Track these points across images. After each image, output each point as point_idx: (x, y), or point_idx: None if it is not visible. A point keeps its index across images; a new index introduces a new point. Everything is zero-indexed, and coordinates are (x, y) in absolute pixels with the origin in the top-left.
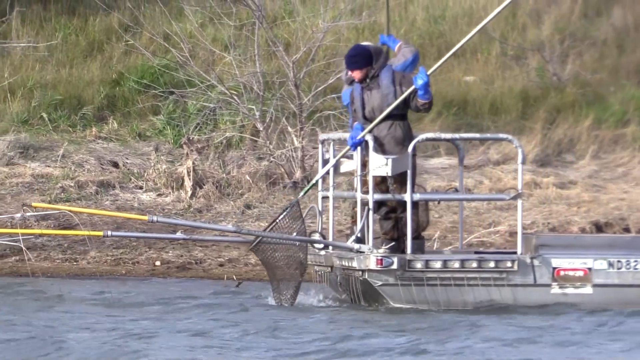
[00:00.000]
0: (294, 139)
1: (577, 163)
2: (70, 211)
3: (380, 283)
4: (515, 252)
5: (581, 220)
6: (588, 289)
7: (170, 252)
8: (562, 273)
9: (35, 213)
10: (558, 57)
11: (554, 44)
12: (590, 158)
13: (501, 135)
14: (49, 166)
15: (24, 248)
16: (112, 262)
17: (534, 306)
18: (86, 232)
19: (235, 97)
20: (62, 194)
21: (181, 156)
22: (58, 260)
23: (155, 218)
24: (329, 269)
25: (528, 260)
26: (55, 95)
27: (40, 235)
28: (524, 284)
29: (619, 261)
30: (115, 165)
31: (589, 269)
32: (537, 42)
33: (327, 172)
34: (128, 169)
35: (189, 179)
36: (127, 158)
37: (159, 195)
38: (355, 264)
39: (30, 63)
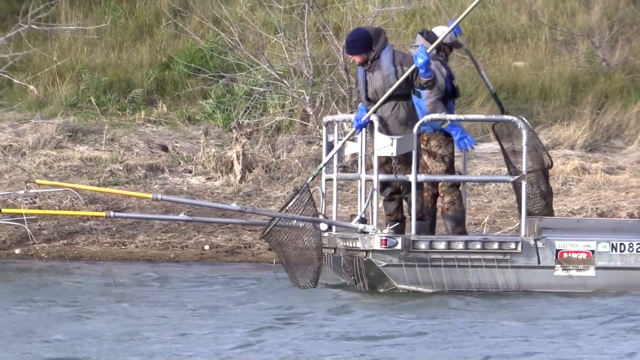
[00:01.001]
0: (344, 123)
1: (625, 148)
2: (73, 188)
3: (384, 264)
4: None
5: (629, 206)
6: (591, 272)
7: (220, 236)
8: (565, 255)
9: (40, 190)
10: (607, 43)
11: (603, 29)
12: (639, 143)
13: (506, 117)
14: (97, 150)
15: (27, 229)
16: (160, 246)
17: (538, 289)
18: (89, 213)
19: (284, 81)
20: (111, 177)
21: (230, 140)
22: (106, 244)
23: (159, 196)
24: (333, 250)
25: (532, 242)
26: (104, 79)
27: (45, 215)
28: (527, 265)
29: (621, 244)
30: (165, 149)
31: (592, 251)
32: (587, 27)
33: (336, 153)
34: (177, 153)
35: (239, 163)
36: (176, 142)
37: (208, 179)
38: (359, 245)
39: (79, 46)
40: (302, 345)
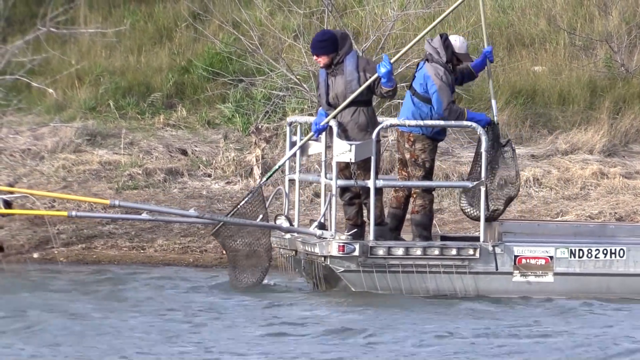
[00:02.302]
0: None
1: None
2: (30, 194)
3: (342, 269)
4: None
5: None
6: (549, 278)
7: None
8: (523, 261)
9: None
10: (626, 48)
11: (622, 34)
12: None
13: (465, 123)
14: (116, 153)
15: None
16: (179, 250)
17: (496, 294)
18: (50, 212)
19: (304, 85)
20: (130, 181)
21: (250, 144)
22: (125, 248)
23: (117, 202)
24: (294, 252)
25: (490, 248)
26: (123, 82)
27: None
28: (485, 271)
29: (580, 250)
30: (184, 152)
31: (551, 257)
32: (605, 32)
33: (294, 156)
34: (197, 157)
35: (258, 167)
36: (195, 146)
37: (228, 183)
38: (317, 250)
39: (98, 50)
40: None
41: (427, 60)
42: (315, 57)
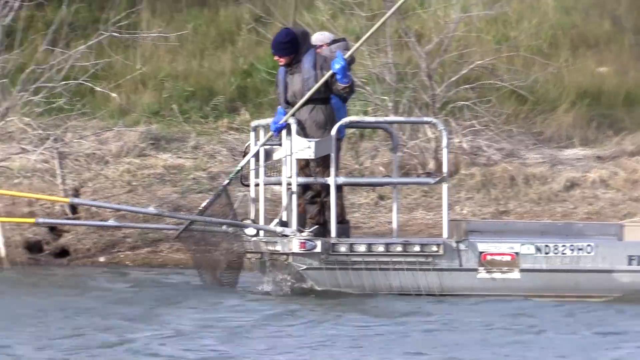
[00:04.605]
0: (427, 129)
1: None
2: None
3: (304, 267)
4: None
5: None
6: (515, 274)
7: None
8: (488, 257)
9: None
10: None
11: None
12: None
13: (426, 119)
14: (180, 157)
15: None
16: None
17: (461, 291)
18: (19, 220)
19: (367, 88)
20: (195, 185)
21: None
22: (190, 252)
23: (76, 200)
24: (259, 255)
25: (454, 245)
26: (186, 86)
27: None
28: (450, 268)
29: (546, 246)
30: None
31: (517, 253)
32: None
33: (257, 159)
34: None
35: None
36: None
37: None
38: (279, 248)
39: (161, 54)
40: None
41: None
42: (275, 57)
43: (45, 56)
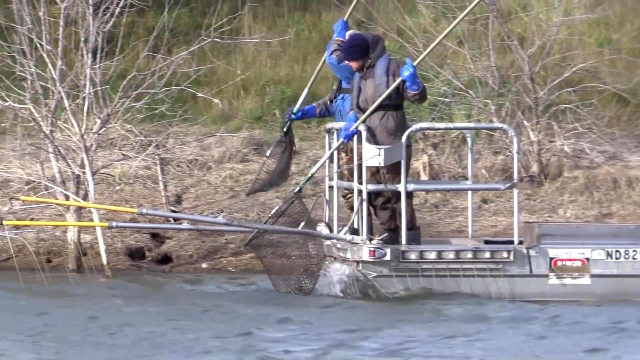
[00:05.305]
0: (530, 132)
1: None
2: (57, 203)
3: (374, 274)
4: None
5: None
6: (586, 280)
7: None
8: (559, 263)
9: (25, 206)
10: None
11: None
12: None
13: (496, 125)
14: None
15: (8, 240)
16: None
17: (531, 297)
18: (86, 224)
19: (469, 91)
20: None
21: (416, 151)
22: (292, 257)
23: (144, 210)
24: (333, 259)
25: (524, 251)
26: (288, 92)
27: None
28: (520, 274)
29: (617, 251)
30: None
31: (587, 259)
32: None
33: (331, 163)
34: None
35: (425, 174)
36: None
37: None
38: (349, 255)
39: (263, 59)
40: None
41: None
42: (345, 61)
43: (146, 62)
